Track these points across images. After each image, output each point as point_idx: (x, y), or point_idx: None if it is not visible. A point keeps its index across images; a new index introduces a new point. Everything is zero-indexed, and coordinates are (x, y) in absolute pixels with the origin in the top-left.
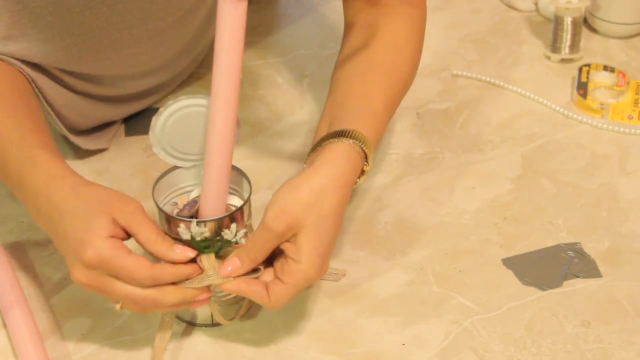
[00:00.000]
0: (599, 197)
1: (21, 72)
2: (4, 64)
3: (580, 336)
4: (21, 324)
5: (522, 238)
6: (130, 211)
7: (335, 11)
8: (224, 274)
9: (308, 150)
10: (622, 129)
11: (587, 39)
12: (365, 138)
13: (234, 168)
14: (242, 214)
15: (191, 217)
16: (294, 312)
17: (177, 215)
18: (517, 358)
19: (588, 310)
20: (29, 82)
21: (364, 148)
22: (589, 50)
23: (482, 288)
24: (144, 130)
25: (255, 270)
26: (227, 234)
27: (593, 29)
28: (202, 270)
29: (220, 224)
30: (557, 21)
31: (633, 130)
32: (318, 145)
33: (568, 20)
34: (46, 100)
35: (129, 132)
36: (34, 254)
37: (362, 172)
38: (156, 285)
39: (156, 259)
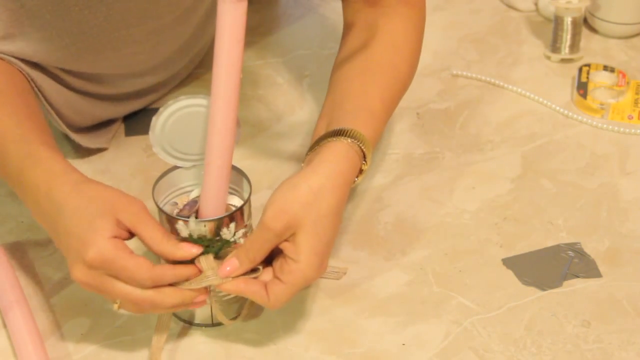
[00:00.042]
0: (599, 197)
1: (20, 71)
2: (4, 62)
3: (580, 336)
4: (21, 324)
5: (522, 238)
6: (135, 211)
7: (335, 11)
8: (223, 275)
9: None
10: (622, 129)
11: (587, 39)
12: (364, 137)
13: (234, 168)
14: (242, 214)
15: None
16: (294, 312)
17: (177, 215)
18: (517, 358)
19: (588, 310)
20: (28, 81)
21: (362, 147)
22: (589, 50)
23: (482, 288)
24: (144, 130)
25: (254, 270)
26: (226, 234)
27: (593, 29)
28: (200, 271)
29: (220, 224)
30: (557, 21)
31: (633, 130)
32: (316, 144)
33: (568, 20)
34: (45, 99)
35: (129, 132)
36: (34, 254)
37: (361, 171)
38: (156, 286)
39: (157, 259)
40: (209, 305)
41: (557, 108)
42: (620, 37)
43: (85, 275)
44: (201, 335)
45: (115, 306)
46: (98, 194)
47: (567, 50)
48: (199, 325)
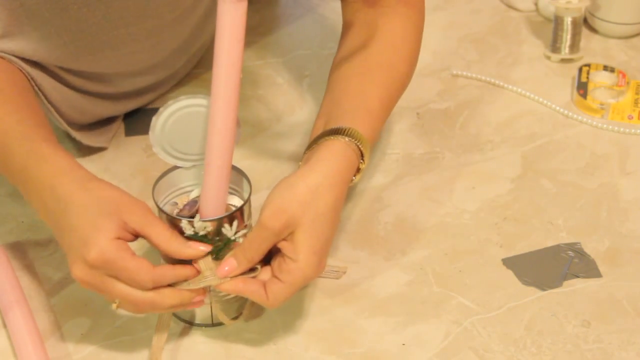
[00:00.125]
0: (599, 197)
1: (20, 70)
2: (4, 61)
3: (580, 336)
4: (21, 324)
5: (522, 238)
6: (141, 213)
7: (334, 11)
8: (221, 275)
9: None
10: (622, 129)
11: (587, 39)
12: (361, 136)
13: (234, 168)
14: (242, 214)
15: (191, 217)
16: (294, 312)
17: (177, 215)
18: (517, 358)
19: (588, 310)
20: (29, 79)
21: (360, 146)
22: (589, 50)
23: (482, 288)
24: (144, 130)
25: (252, 269)
26: (226, 234)
27: (593, 29)
28: (199, 272)
29: (220, 224)
30: (557, 21)
31: (633, 130)
32: (314, 143)
33: (568, 20)
34: (45, 97)
35: (129, 132)
36: (34, 254)
37: (358, 170)
38: (156, 287)
39: (157, 261)
40: (209, 306)
41: (557, 108)
42: (620, 37)
43: (86, 274)
44: (201, 335)
45: (114, 306)
46: (105, 194)
47: (567, 50)
48: (199, 325)
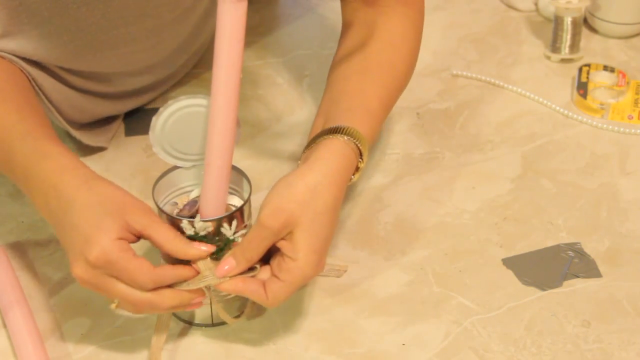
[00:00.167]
0: (599, 197)
1: (21, 70)
2: (4, 61)
3: (580, 336)
4: (21, 324)
5: (522, 238)
6: (144, 214)
7: (334, 11)
8: (220, 274)
9: None
10: (622, 129)
11: (587, 39)
12: (360, 135)
13: (234, 168)
14: (242, 214)
15: (191, 217)
16: (294, 312)
17: (178, 215)
18: (517, 358)
19: (588, 310)
20: (29, 79)
21: (359, 145)
22: (589, 50)
23: (482, 288)
24: (144, 130)
25: (251, 269)
26: (226, 231)
27: (593, 29)
28: (198, 272)
29: (220, 224)
30: (557, 21)
31: (633, 130)
32: (313, 141)
33: (568, 20)
34: (46, 97)
35: (129, 132)
36: (34, 254)
37: (357, 169)
38: (156, 287)
39: (157, 262)
40: (208, 305)
41: (557, 108)
42: (620, 37)
43: (86, 273)
44: (201, 335)
45: (113, 305)
46: (108, 194)
47: (567, 50)
48: (199, 325)
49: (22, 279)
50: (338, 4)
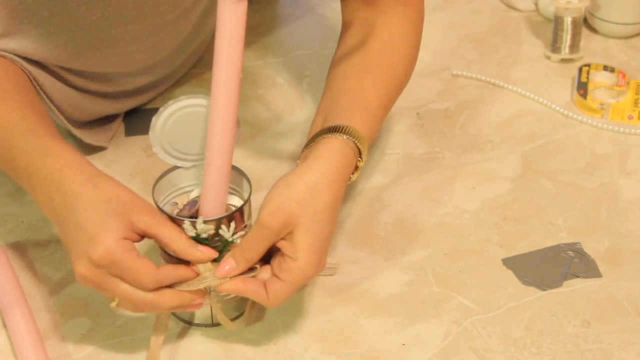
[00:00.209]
0: (599, 197)
1: (22, 70)
2: (5, 60)
3: (580, 336)
4: (21, 324)
5: (522, 238)
6: (149, 213)
7: (334, 11)
8: (220, 275)
9: None
10: (622, 129)
11: (587, 39)
12: (359, 134)
13: (234, 168)
14: (242, 214)
15: (191, 217)
16: (294, 312)
17: (178, 215)
18: (517, 358)
19: (588, 310)
20: (30, 79)
21: (358, 144)
22: (589, 50)
23: (482, 288)
24: (144, 130)
25: (251, 269)
26: (225, 232)
27: (593, 29)
28: (197, 273)
29: (221, 224)
30: (557, 21)
31: (633, 130)
32: (312, 140)
33: (568, 20)
34: (47, 96)
35: (129, 132)
36: (34, 254)
37: (356, 168)
38: (158, 287)
39: (157, 262)
40: (208, 305)
41: (557, 108)
42: (620, 37)
43: (89, 272)
44: (201, 335)
45: (114, 304)
46: (114, 192)
47: (567, 50)
48: (198, 325)
49: (22, 279)
50: (338, 4)
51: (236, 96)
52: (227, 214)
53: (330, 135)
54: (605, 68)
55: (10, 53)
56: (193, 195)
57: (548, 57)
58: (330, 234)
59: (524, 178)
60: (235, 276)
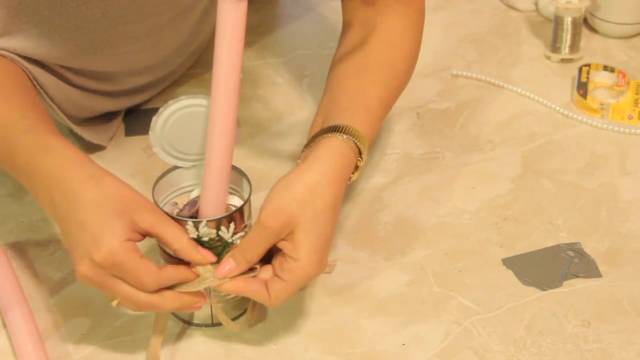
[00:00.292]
0: (599, 197)
1: (22, 69)
2: (5, 59)
3: (580, 336)
4: (21, 324)
5: (522, 238)
6: (151, 213)
7: (334, 11)
8: (220, 275)
9: None
10: (622, 129)
11: (587, 39)
12: (359, 133)
13: (234, 168)
14: (242, 214)
15: (191, 217)
16: (294, 312)
17: (178, 215)
18: (517, 358)
19: (588, 310)
20: (30, 78)
21: (358, 143)
22: (589, 50)
23: (482, 288)
24: (144, 130)
25: (251, 269)
26: (224, 233)
27: (593, 29)
28: (197, 275)
29: (221, 224)
30: (557, 21)
31: (633, 130)
32: (312, 140)
33: (568, 20)
34: (47, 95)
35: (129, 132)
36: (34, 254)
37: (356, 168)
38: (160, 288)
39: (158, 262)
40: (208, 305)
41: (557, 108)
42: (620, 37)
43: (91, 272)
44: (201, 335)
45: (114, 303)
46: (115, 191)
47: (567, 50)
48: (198, 325)
49: (22, 279)
50: (338, 4)
51: (236, 96)
52: (227, 214)
53: (330, 135)
54: (605, 68)
55: (10, 52)
56: (193, 195)
57: (548, 57)
58: (331, 234)
59: (524, 178)
60: (236, 276)
